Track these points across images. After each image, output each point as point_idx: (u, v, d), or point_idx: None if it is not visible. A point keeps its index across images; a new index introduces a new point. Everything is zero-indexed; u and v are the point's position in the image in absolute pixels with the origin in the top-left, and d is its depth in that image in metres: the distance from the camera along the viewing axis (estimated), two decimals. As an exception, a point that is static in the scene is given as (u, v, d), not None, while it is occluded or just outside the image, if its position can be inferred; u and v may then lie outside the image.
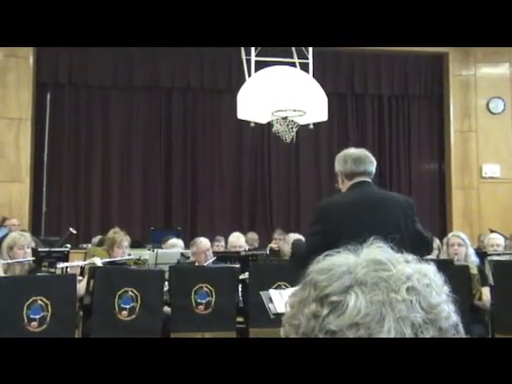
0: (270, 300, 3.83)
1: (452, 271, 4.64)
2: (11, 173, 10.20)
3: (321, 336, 0.86)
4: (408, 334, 0.84)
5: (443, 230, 10.61)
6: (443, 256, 5.78)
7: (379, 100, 11.63)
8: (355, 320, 0.85)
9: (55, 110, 10.76)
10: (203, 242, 5.89)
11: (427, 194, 11.38)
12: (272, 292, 3.92)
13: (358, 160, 3.45)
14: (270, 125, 8.21)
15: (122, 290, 4.63)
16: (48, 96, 10.60)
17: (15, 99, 10.31)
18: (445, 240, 5.89)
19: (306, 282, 0.92)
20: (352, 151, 3.52)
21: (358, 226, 3.07)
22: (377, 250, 0.94)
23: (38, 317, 4.26)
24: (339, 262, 0.92)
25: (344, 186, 3.50)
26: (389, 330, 0.83)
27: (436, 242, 6.46)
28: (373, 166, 3.49)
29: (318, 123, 8.54)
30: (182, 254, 6.24)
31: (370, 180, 3.47)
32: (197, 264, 5.74)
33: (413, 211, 3.44)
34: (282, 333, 0.94)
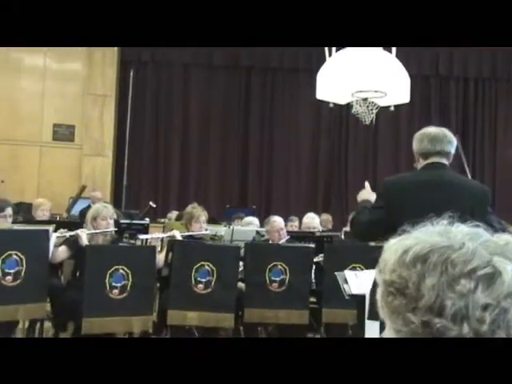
0: (346, 281, 3.84)
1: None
2: (96, 147, 10.58)
3: (475, 313, 0.87)
4: None
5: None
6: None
7: (465, 83, 11.27)
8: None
9: (138, 87, 11.03)
10: (277, 220, 5.91)
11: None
12: (347, 273, 3.92)
13: (434, 139, 3.34)
14: (349, 106, 8.11)
15: (199, 264, 4.73)
16: (131, 73, 10.87)
17: (100, 77, 10.65)
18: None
19: (431, 263, 0.91)
20: (430, 130, 3.41)
21: (422, 205, 3.01)
22: (462, 226, 0.95)
23: (119, 285, 4.43)
24: (446, 237, 0.93)
25: (419, 165, 3.43)
26: None
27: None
28: (451, 146, 3.36)
29: (399, 105, 8.37)
30: (258, 232, 6.31)
31: (445, 162, 3.37)
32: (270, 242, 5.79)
33: (487, 201, 3.29)
34: (395, 325, 0.95)
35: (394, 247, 0.98)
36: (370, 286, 3.32)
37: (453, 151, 3.36)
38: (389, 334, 0.97)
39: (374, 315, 3.43)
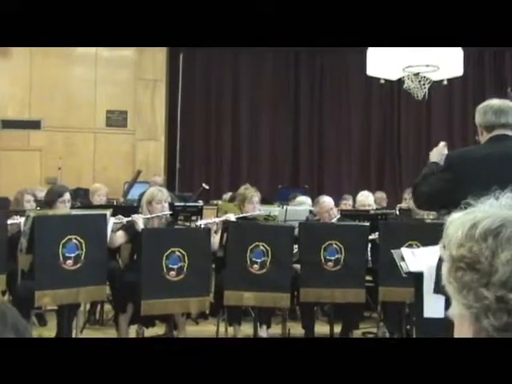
0: (402, 258, 3.78)
1: None
2: (148, 131, 10.72)
3: None
4: None
5: None
6: None
7: (521, 54, 10.91)
8: None
9: (187, 71, 11.08)
10: (326, 201, 5.83)
11: None
12: (404, 251, 3.86)
13: (498, 111, 3.24)
14: (400, 81, 7.97)
15: (254, 245, 4.74)
16: (181, 58, 10.92)
17: (151, 62, 10.74)
18: None
19: (503, 237, 0.89)
20: (494, 102, 3.31)
21: (488, 179, 2.93)
22: None
23: (176, 267, 4.48)
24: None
25: (483, 138, 3.33)
26: None
27: None
28: None
29: (452, 79, 8.16)
30: (311, 212, 6.27)
31: (510, 133, 3.28)
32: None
33: None
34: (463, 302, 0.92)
35: (458, 221, 0.95)
36: (429, 263, 3.28)
37: None
38: (457, 310, 0.95)
39: (439, 289, 3.40)
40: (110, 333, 5.28)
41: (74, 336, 4.78)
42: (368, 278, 5.32)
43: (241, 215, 5.45)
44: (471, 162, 3.20)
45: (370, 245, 5.41)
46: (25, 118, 10.66)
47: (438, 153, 3.48)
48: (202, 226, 5.26)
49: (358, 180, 10.96)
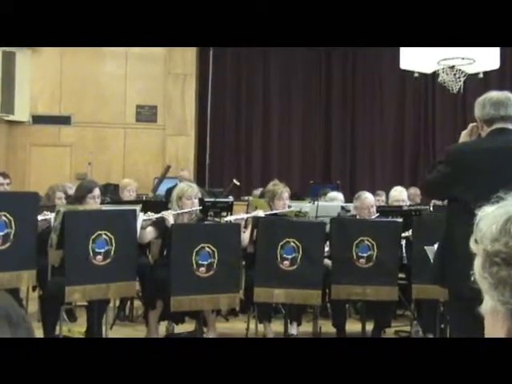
0: (436, 255, 3.73)
1: None
2: (178, 126, 10.77)
3: None
4: None
5: None
6: None
7: (560, 44, 10.68)
8: None
9: (218, 65, 11.10)
10: (368, 197, 5.75)
11: None
12: (437, 247, 3.80)
13: (497, 103, 3.18)
14: (435, 75, 7.86)
15: (284, 241, 4.73)
16: (211, 52, 10.94)
17: (181, 56, 10.78)
18: None
19: None
20: (492, 94, 3.25)
21: (487, 173, 2.91)
22: None
23: (205, 263, 4.49)
24: None
25: (483, 132, 3.28)
26: None
27: None
28: None
29: (489, 72, 8.02)
30: (343, 208, 6.23)
31: (511, 127, 3.21)
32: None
33: None
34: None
35: (491, 215, 0.93)
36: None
37: None
38: (490, 305, 0.93)
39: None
40: (140, 329, 5.33)
41: (103, 332, 4.83)
42: (401, 275, 5.27)
43: (270, 212, 5.44)
44: (470, 156, 3.17)
45: (404, 242, 5.36)
46: (55, 114, 10.81)
47: (467, 134, 3.43)
48: (232, 222, 5.26)
49: (391, 176, 10.86)
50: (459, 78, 7.60)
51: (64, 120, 10.79)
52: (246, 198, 9.01)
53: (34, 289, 5.57)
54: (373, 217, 5.62)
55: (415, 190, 8.71)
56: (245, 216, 5.42)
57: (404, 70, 7.92)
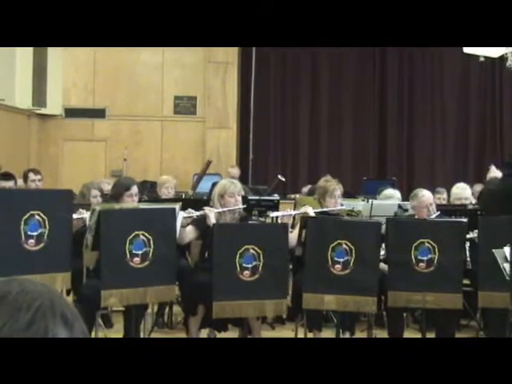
0: (506, 259, 3.69)
1: None
2: (219, 119, 10.82)
3: None
4: None
5: None
6: None
7: None
8: None
9: (261, 52, 11.10)
10: (426, 195, 5.70)
11: None
12: (508, 250, 3.77)
13: None
14: (502, 58, 7.73)
15: (336, 242, 4.71)
16: (254, 38, 10.95)
17: (222, 42, 10.83)
18: None
19: None
20: None
21: None
22: None
23: (250, 266, 4.51)
24: None
25: None
26: None
27: None
28: None
29: None
30: (400, 206, 6.18)
31: None
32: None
33: None
34: None
35: None
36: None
37: None
38: None
39: None
40: (179, 337, 5.39)
41: (141, 339, 4.90)
42: (465, 281, 5.21)
43: (320, 210, 5.43)
44: None
45: (468, 244, 5.29)
46: (89, 107, 11.00)
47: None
48: (278, 220, 5.27)
49: (453, 171, 10.73)
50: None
51: (98, 113, 10.97)
52: (293, 195, 9.02)
53: (68, 292, 5.68)
54: (433, 216, 5.57)
55: (481, 187, 8.57)
56: (292, 212, 5.43)
57: (468, 56, 7.81)
